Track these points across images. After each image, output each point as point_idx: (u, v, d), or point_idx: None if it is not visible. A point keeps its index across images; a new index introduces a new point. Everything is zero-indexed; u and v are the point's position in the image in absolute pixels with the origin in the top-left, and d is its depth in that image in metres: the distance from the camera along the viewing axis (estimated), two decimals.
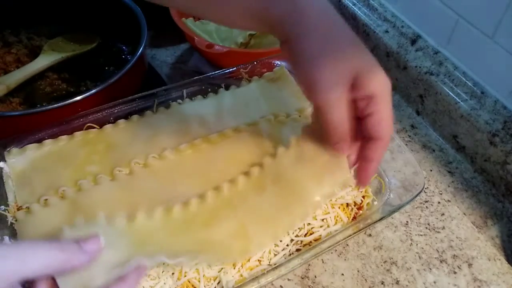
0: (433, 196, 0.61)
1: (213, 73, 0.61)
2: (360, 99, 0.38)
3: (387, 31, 0.74)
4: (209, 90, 0.60)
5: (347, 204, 0.52)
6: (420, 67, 0.69)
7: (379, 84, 0.38)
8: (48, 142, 0.51)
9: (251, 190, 0.46)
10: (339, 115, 0.38)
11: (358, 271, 0.53)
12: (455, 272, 0.53)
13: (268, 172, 0.47)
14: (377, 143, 0.40)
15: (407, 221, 0.58)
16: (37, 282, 0.33)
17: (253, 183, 0.47)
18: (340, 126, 0.39)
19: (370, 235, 0.56)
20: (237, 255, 0.43)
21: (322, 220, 0.50)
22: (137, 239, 0.41)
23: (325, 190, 0.45)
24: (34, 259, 0.31)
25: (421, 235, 0.56)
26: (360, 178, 0.43)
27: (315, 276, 0.52)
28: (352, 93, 0.38)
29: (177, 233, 0.43)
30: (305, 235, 0.49)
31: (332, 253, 0.54)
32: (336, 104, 0.38)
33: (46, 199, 0.46)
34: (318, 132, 0.44)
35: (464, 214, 0.60)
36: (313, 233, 0.49)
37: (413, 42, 0.72)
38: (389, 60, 0.75)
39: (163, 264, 0.44)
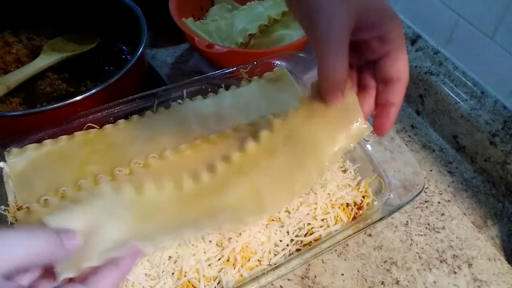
0: (433, 196, 0.61)
1: (213, 73, 0.61)
2: (373, 39, 0.37)
3: None
4: (209, 90, 0.60)
5: (347, 204, 0.52)
6: (420, 67, 0.69)
7: (392, 23, 0.36)
8: (48, 142, 0.51)
9: (262, 155, 0.44)
10: (338, 51, 0.35)
11: (358, 271, 0.53)
12: (455, 272, 0.53)
13: (278, 133, 0.44)
14: (395, 85, 0.38)
15: (407, 221, 0.58)
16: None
17: (263, 147, 0.44)
18: (338, 63, 0.35)
19: (370, 235, 0.56)
20: (251, 216, 0.42)
21: (322, 220, 0.50)
22: (143, 212, 0.39)
23: (340, 142, 0.42)
24: (16, 253, 0.28)
25: (421, 235, 0.56)
26: (380, 125, 0.39)
27: (315, 276, 0.52)
28: (364, 33, 0.36)
29: (186, 205, 0.42)
30: (305, 235, 0.49)
31: (332, 253, 0.54)
32: (336, 36, 0.34)
33: (46, 199, 0.46)
34: None
35: (464, 214, 0.60)
36: (313, 233, 0.49)
37: (413, 42, 0.72)
38: None
39: (163, 264, 0.44)
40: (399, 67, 0.37)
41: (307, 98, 0.43)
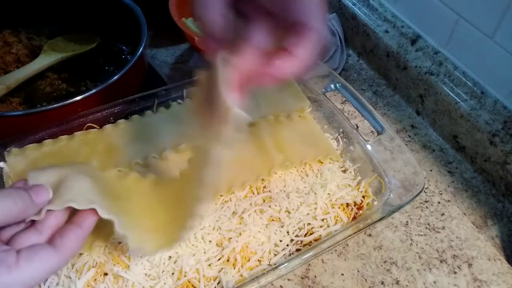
0: (433, 196, 0.61)
1: None
2: None
3: (387, 31, 0.74)
4: None
5: (347, 204, 0.52)
6: (420, 67, 0.69)
7: None
8: (48, 142, 0.51)
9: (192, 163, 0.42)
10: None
11: (358, 271, 0.53)
12: (455, 272, 0.53)
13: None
14: (299, 31, 0.28)
15: (407, 221, 0.58)
16: None
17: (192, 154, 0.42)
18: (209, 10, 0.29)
19: (370, 235, 0.56)
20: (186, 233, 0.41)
21: (322, 220, 0.50)
22: (111, 192, 0.41)
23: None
24: None
25: (421, 235, 0.56)
26: (260, 75, 0.30)
27: (315, 276, 0.52)
28: None
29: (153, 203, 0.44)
30: (305, 235, 0.49)
31: (332, 253, 0.54)
32: None
33: None
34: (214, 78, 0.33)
35: (464, 214, 0.60)
36: (313, 233, 0.49)
37: (413, 42, 0.72)
38: (389, 60, 0.75)
39: (163, 264, 0.44)
40: (305, 7, 0.28)
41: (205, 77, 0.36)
